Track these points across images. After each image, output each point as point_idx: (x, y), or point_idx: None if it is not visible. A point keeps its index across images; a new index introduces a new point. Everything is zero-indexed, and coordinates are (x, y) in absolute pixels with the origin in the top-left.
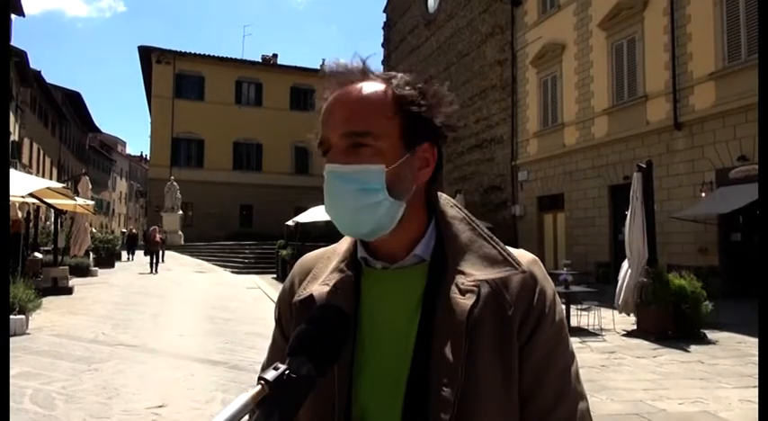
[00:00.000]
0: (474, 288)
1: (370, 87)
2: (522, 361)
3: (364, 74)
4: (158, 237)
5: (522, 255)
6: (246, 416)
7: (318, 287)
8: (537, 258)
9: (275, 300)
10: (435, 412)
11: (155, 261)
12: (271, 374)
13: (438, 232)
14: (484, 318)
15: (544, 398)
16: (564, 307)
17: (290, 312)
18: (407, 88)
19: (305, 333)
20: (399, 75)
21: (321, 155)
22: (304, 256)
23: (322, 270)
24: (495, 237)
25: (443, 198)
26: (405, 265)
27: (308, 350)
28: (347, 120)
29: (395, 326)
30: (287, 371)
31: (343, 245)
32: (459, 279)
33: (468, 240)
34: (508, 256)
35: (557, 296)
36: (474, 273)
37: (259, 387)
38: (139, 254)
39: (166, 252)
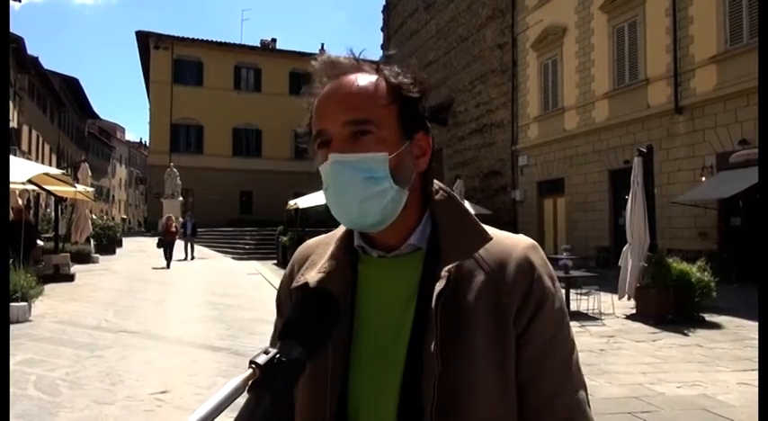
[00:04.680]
0: (446, 273)
1: (364, 78)
2: (520, 348)
3: (355, 66)
4: (174, 226)
5: (520, 240)
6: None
7: (315, 274)
8: (536, 243)
9: (276, 285)
10: (425, 403)
11: (170, 254)
12: (262, 358)
13: (433, 220)
14: (478, 306)
15: (544, 387)
16: (564, 292)
17: (290, 299)
18: (400, 77)
19: (294, 317)
20: (389, 66)
21: (316, 148)
22: (304, 243)
23: (320, 257)
24: (469, 212)
25: (436, 184)
26: (401, 254)
27: (298, 333)
28: (347, 109)
29: (391, 316)
30: (277, 355)
31: (341, 232)
32: (447, 266)
33: (453, 223)
34: (477, 229)
35: (556, 282)
36: (454, 258)
37: (250, 371)
38: (136, 242)
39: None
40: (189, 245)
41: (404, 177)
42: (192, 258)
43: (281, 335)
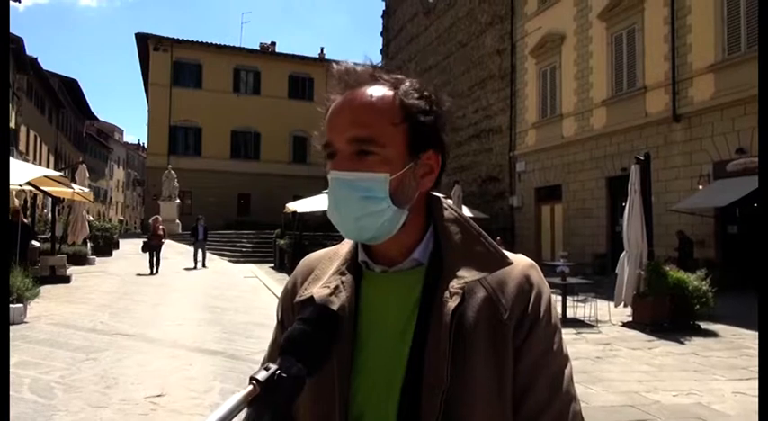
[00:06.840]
0: (459, 290)
1: (378, 92)
2: (515, 363)
3: (372, 77)
4: (162, 229)
5: (520, 260)
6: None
7: (319, 289)
8: (534, 263)
9: (273, 289)
10: (425, 415)
11: (156, 259)
12: (262, 374)
13: (436, 236)
14: (478, 323)
15: (536, 399)
16: (560, 299)
17: (292, 312)
18: (416, 96)
19: (295, 333)
20: (408, 80)
21: (326, 158)
22: (307, 257)
23: (323, 271)
24: (484, 234)
25: (440, 200)
26: (403, 269)
27: (298, 350)
28: (353, 124)
29: (392, 329)
30: (277, 371)
31: (345, 247)
32: (453, 282)
33: (462, 242)
34: (495, 252)
35: (552, 300)
36: (465, 275)
37: (251, 387)
38: (133, 244)
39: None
40: (200, 251)
41: (404, 197)
42: (204, 266)
43: (282, 350)
